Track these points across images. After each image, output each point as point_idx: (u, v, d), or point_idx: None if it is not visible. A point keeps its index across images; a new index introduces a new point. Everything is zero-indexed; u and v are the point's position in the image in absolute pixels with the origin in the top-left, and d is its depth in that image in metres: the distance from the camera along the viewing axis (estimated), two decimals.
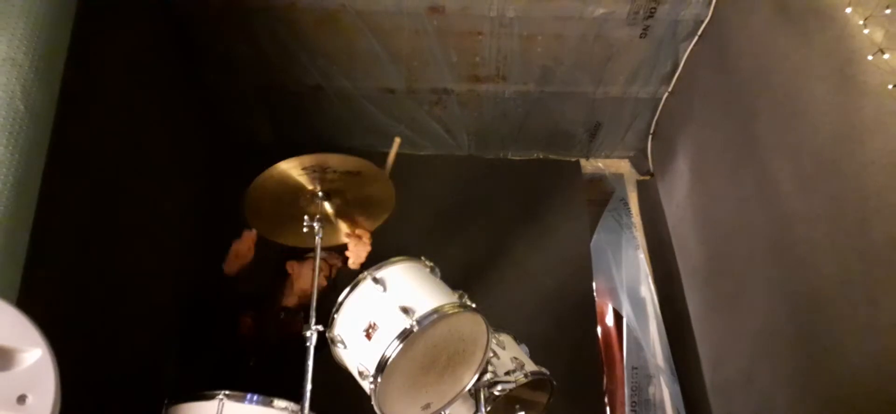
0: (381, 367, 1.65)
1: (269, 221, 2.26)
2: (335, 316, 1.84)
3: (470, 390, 1.94)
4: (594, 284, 3.47)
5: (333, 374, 1.92)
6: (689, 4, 2.74)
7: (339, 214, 2.26)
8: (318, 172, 2.11)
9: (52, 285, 1.91)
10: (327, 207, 2.19)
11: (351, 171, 2.14)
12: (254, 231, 2.42)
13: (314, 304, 1.94)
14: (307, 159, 2.06)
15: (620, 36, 2.91)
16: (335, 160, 2.09)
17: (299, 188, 2.15)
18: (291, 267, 2.60)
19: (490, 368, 1.98)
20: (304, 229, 2.12)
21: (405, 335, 1.65)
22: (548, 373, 2.20)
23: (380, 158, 2.21)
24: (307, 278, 2.49)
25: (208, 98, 3.31)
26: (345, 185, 2.18)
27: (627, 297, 3.51)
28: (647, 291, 3.52)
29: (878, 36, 1.79)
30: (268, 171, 2.05)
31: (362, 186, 2.21)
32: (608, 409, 3.39)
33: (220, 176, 3.34)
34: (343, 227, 2.33)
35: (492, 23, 2.84)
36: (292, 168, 2.07)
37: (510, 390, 2.03)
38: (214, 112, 3.41)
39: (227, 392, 1.89)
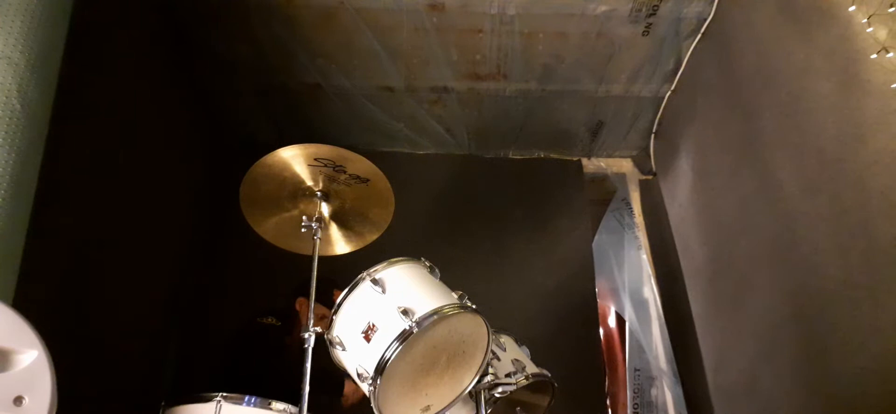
0: (381, 368, 1.64)
1: (261, 207, 2.21)
2: (334, 318, 1.82)
3: (470, 392, 1.92)
4: (596, 285, 3.45)
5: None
6: (691, 2, 2.73)
7: (334, 218, 2.24)
8: (328, 168, 2.09)
9: (48, 286, 1.90)
10: (324, 208, 2.18)
11: (362, 176, 2.12)
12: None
13: (312, 306, 1.94)
14: (324, 150, 2.04)
15: (623, 33, 2.89)
16: (353, 159, 2.08)
17: (299, 182, 2.13)
18: (300, 305, 2.58)
19: (491, 369, 1.96)
20: (303, 229, 2.10)
21: (404, 337, 1.63)
22: (549, 375, 2.18)
23: (379, 158, 2.20)
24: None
25: (207, 97, 3.30)
26: (350, 191, 2.16)
27: (629, 298, 3.50)
28: (650, 291, 3.51)
29: (882, 35, 1.78)
30: (276, 153, 2.05)
31: (366, 199, 2.20)
32: (610, 411, 3.38)
33: (218, 175, 3.33)
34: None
35: (492, 20, 2.82)
36: (302, 156, 2.05)
37: (511, 392, 2.01)
38: (213, 111, 3.40)
39: (224, 394, 1.89)
